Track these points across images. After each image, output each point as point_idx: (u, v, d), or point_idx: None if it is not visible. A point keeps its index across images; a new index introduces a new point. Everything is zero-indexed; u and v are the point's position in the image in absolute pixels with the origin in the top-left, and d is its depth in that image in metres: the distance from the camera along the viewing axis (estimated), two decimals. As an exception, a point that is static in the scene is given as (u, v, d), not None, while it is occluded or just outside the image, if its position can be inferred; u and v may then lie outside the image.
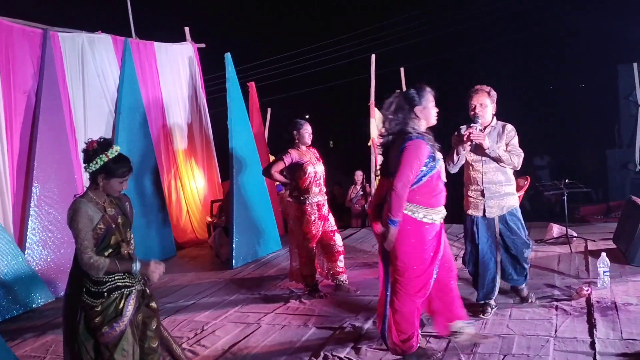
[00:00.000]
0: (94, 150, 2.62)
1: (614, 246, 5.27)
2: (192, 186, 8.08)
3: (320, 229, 4.82)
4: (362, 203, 9.30)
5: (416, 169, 3.04)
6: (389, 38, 15.55)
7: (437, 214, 3.18)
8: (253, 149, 6.96)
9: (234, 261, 6.17)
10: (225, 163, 6.69)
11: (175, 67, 8.03)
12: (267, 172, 4.91)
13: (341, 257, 4.95)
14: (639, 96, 7.22)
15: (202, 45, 8.50)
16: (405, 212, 3.08)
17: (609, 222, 5.87)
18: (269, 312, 4.44)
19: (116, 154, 2.65)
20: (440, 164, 3.22)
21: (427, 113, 3.21)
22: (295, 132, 4.80)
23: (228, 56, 6.83)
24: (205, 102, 8.48)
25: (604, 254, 4.23)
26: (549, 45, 13.95)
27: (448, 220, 7.71)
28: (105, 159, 2.61)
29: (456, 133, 3.84)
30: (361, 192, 9.38)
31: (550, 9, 15.15)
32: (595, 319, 3.58)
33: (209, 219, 7.87)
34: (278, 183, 9.00)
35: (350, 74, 15.63)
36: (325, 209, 4.88)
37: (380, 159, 3.61)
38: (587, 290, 4.03)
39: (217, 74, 9.66)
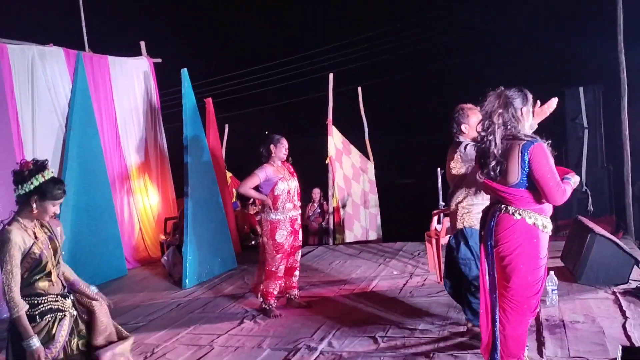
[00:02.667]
0: (29, 170, 2.51)
1: (562, 264, 5.42)
2: (145, 203, 7.90)
3: (291, 244, 4.80)
4: (320, 221, 9.30)
5: (555, 172, 2.76)
6: (347, 57, 15.75)
7: (549, 224, 2.88)
8: (209, 166, 6.87)
9: (187, 280, 6.04)
10: (181, 179, 6.58)
11: (130, 81, 7.88)
12: (243, 188, 4.79)
13: (296, 272, 4.97)
14: (585, 119, 7.54)
15: (158, 60, 8.38)
16: (520, 217, 2.82)
17: (557, 241, 6.01)
18: (223, 334, 4.35)
19: (51, 175, 2.55)
20: None
21: (529, 117, 2.97)
22: (272, 146, 4.75)
23: (184, 71, 6.76)
24: (161, 117, 8.34)
25: (552, 273, 4.34)
26: (499, 67, 14.45)
27: (403, 238, 7.86)
28: (42, 180, 2.51)
29: None
30: (318, 210, 9.38)
31: (501, 34, 15.73)
32: (544, 337, 3.66)
33: (163, 237, 7.69)
34: (235, 200, 8.98)
35: (308, 92, 15.73)
36: (298, 224, 4.87)
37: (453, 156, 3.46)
38: None
39: (173, 89, 9.54)
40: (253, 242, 8.51)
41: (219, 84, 16.34)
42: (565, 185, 2.79)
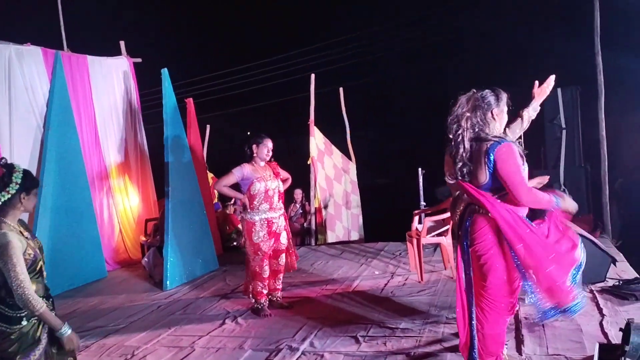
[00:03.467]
0: (2, 175, 2.46)
1: (540, 263, 5.48)
2: (125, 204, 7.82)
3: (271, 246, 4.77)
4: (302, 221, 9.30)
5: (522, 170, 2.79)
6: (329, 58, 15.78)
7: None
8: (190, 166, 6.83)
9: (168, 282, 6.00)
10: (162, 180, 6.53)
11: (109, 81, 7.80)
12: (217, 185, 4.78)
13: (280, 276, 4.95)
14: (563, 120, 7.65)
15: (138, 59, 8.31)
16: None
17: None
18: (204, 335, 4.33)
19: (19, 167, 2.52)
20: (526, 166, 2.97)
21: (502, 117, 2.98)
22: (254, 145, 4.72)
23: (165, 71, 6.72)
24: (141, 117, 8.27)
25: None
26: (479, 69, 14.60)
27: (384, 238, 7.89)
28: (20, 176, 2.47)
29: None
30: (300, 211, 9.38)
31: (481, 36, 15.90)
32: (523, 335, 3.70)
33: (143, 239, 7.63)
34: (216, 201, 8.94)
35: (290, 93, 15.72)
36: (278, 227, 4.79)
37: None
38: None
39: (154, 89, 9.46)
40: (235, 243, 8.48)
41: (200, 84, 16.25)
42: (542, 193, 2.80)
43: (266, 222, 4.71)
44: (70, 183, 6.55)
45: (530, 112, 3.32)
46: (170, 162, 6.37)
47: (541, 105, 3.40)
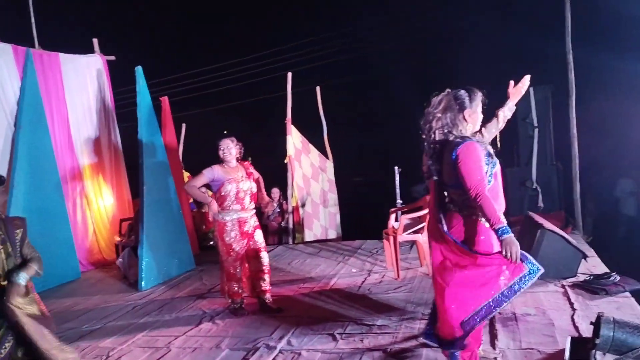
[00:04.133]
0: None
1: (514, 259, 5.56)
2: (99, 204, 7.71)
3: (244, 246, 4.74)
4: (279, 220, 9.29)
5: (480, 169, 2.80)
6: (306, 57, 15.78)
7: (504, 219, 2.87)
8: (165, 165, 6.77)
9: (143, 282, 5.93)
10: (136, 180, 6.46)
11: (82, 79, 7.68)
12: (187, 186, 4.77)
13: (266, 277, 4.84)
14: (535, 118, 7.78)
15: (112, 57, 8.19)
16: (465, 214, 2.89)
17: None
18: (180, 335, 4.30)
19: None
20: (498, 165, 3.00)
21: (475, 118, 2.99)
22: (217, 149, 4.73)
23: (139, 69, 6.64)
24: (115, 116, 8.16)
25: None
26: (453, 68, 14.75)
27: (361, 236, 7.93)
28: None
29: None
30: (278, 210, 9.36)
31: (455, 36, 16.08)
32: (496, 330, 3.76)
33: (118, 239, 7.54)
34: (192, 201, 8.87)
35: (267, 91, 15.68)
36: (250, 226, 4.76)
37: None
38: None
39: (128, 87, 9.34)
40: (211, 243, 8.43)
41: (175, 83, 16.10)
42: (494, 208, 2.77)
43: (237, 222, 4.68)
44: (42, 183, 6.43)
45: (506, 112, 3.35)
46: (145, 161, 6.30)
47: (515, 104, 3.45)
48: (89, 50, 8.01)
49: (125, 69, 7.45)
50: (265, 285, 4.83)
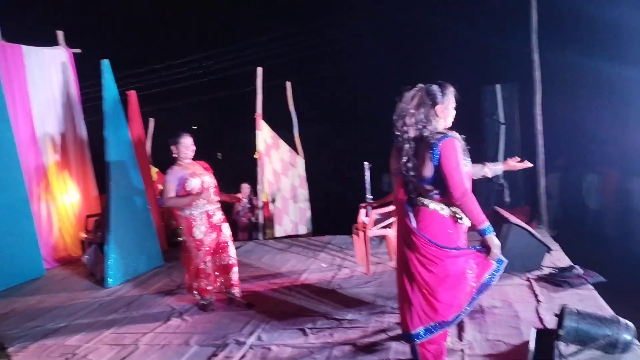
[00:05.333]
0: None
1: (481, 253, 5.66)
2: (65, 200, 7.53)
3: (214, 239, 4.70)
4: (249, 216, 9.24)
5: (462, 167, 2.85)
6: (276, 52, 15.70)
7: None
8: (132, 161, 6.65)
9: (110, 279, 5.83)
10: (103, 175, 6.33)
11: (46, 72, 7.48)
12: (168, 202, 4.65)
13: (234, 269, 4.82)
14: (501, 115, 7.93)
15: (78, 50, 8.00)
16: (435, 209, 2.93)
17: (476, 231, 6.31)
18: (148, 332, 4.24)
19: None
20: (470, 163, 3.06)
21: (447, 113, 3.02)
22: (173, 147, 4.65)
23: (105, 62, 6.50)
24: (81, 110, 7.97)
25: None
26: (421, 65, 14.90)
27: (332, 231, 7.95)
28: None
29: None
30: (248, 205, 9.31)
31: (423, 33, 16.22)
32: (464, 322, 3.82)
33: (84, 235, 7.39)
34: (160, 197, 8.75)
35: (237, 86, 15.55)
36: (217, 219, 4.74)
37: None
38: None
39: (94, 81, 9.15)
40: (180, 239, 8.32)
41: (143, 77, 15.82)
42: (478, 207, 2.87)
43: (206, 215, 4.64)
44: (3, 178, 6.26)
45: (490, 172, 3.49)
46: (112, 156, 6.18)
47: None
48: (54, 42, 7.81)
49: (91, 62, 7.29)
50: (234, 279, 4.81)
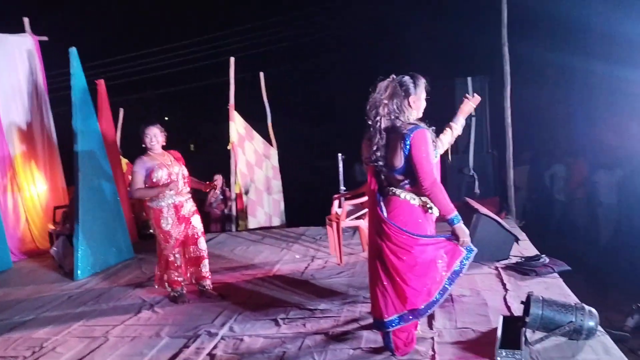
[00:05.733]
0: None
1: (452, 243, 5.75)
2: (32, 191, 7.36)
3: (182, 231, 4.66)
4: (222, 207, 9.18)
5: (432, 158, 2.93)
6: (250, 42, 15.58)
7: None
8: (102, 151, 6.53)
9: (79, 272, 5.74)
10: (71, 166, 6.21)
11: (11, 60, 7.27)
12: (135, 193, 4.60)
13: (205, 262, 4.80)
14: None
15: (44, 38, 7.79)
16: (405, 198, 2.97)
17: (445, 221, 6.39)
18: (118, 324, 4.19)
19: None
20: (439, 155, 3.12)
21: (419, 104, 3.08)
22: (142, 137, 4.61)
23: (73, 51, 6.36)
24: (48, 99, 7.78)
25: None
26: (396, 57, 14.97)
27: (305, 222, 7.96)
28: None
29: None
30: (221, 197, 9.25)
31: (398, 25, 16.30)
32: (434, 311, 3.88)
33: (52, 227, 7.24)
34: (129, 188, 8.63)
35: (209, 76, 15.39)
36: (187, 210, 4.69)
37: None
38: None
39: (62, 70, 8.95)
40: (151, 231, 8.24)
41: (113, 66, 15.52)
42: (446, 196, 2.95)
43: (173, 207, 4.59)
44: (-32, 169, 6.10)
45: (458, 129, 3.45)
46: (80, 147, 6.05)
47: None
48: (19, 29, 7.59)
49: (59, 51, 7.12)
50: (205, 272, 4.79)
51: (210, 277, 4.84)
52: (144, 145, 4.63)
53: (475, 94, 3.51)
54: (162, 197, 4.55)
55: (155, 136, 4.62)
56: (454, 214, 2.97)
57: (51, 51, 7.94)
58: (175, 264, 4.66)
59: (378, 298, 3.08)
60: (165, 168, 4.56)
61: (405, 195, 3.00)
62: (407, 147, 2.90)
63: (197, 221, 4.79)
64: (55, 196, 7.67)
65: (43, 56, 7.73)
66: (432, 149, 2.96)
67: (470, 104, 3.51)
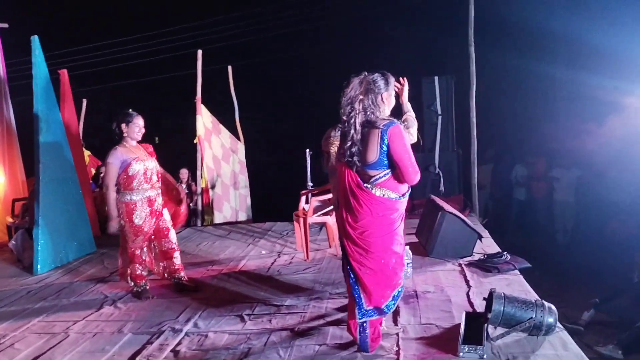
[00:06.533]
0: None
1: (416, 240, 5.85)
2: (-11, 183, 7.14)
3: (153, 225, 4.59)
4: (188, 202, 9.05)
5: (410, 150, 2.99)
6: (218, 35, 15.38)
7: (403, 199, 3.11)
8: (64, 143, 6.37)
9: (39, 266, 5.60)
10: (31, 157, 6.03)
11: (-31, 47, 7.03)
12: (106, 187, 4.41)
13: (176, 254, 4.76)
14: (439, 106, 8.14)
15: (5, 25, 7.53)
16: (377, 193, 3.00)
17: (412, 219, 6.48)
18: (79, 320, 4.11)
19: None
20: None
21: (390, 101, 3.16)
22: (123, 125, 4.45)
23: (35, 39, 6.17)
24: (7, 88, 7.54)
25: (407, 247, 4.65)
26: (365, 55, 15.05)
27: (272, 218, 7.95)
28: None
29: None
30: (187, 191, 9.14)
31: (366, 25, 16.38)
32: (399, 307, 3.93)
33: (10, 220, 7.03)
34: (92, 181, 8.44)
35: (176, 69, 15.15)
36: (158, 204, 4.63)
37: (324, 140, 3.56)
38: None
39: (23, 58, 8.67)
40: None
41: (76, 55, 15.10)
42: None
43: (147, 200, 4.52)
44: None
45: (411, 113, 3.55)
46: (41, 137, 5.89)
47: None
48: (-22, 15, 7.34)
49: (20, 39, 6.89)
50: (178, 264, 4.76)
51: (183, 268, 4.80)
52: (124, 135, 4.46)
53: (402, 79, 3.56)
54: (135, 191, 4.45)
55: (142, 127, 4.52)
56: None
57: (12, 39, 7.69)
58: (140, 258, 4.59)
59: (364, 287, 3.11)
60: (141, 162, 4.47)
61: (377, 191, 3.02)
62: (385, 142, 2.94)
63: (167, 215, 4.74)
64: (14, 188, 7.46)
65: (3, 44, 7.48)
66: (409, 143, 3.04)
67: (404, 89, 3.57)
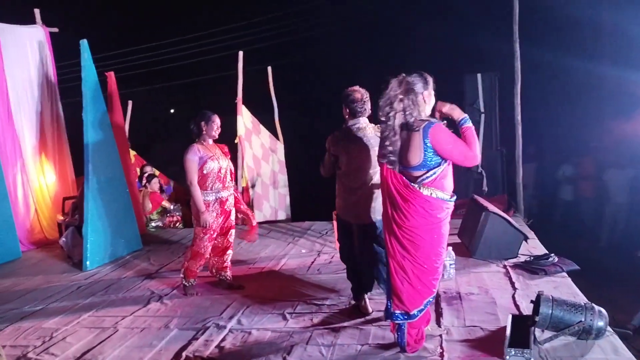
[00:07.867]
0: None
1: (459, 241, 5.76)
2: (41, 182, 7.41)
3: (221, 223, 4.67)
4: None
5: (457, 140, 2.99)
6: (258, 36, 15.56)
7: (451, 199, 3.08)
8: (112, 143, 6.55)
9: (88, 262, 5.78)
10: (80, 157, 6.23)
11: (22, 51, 7.29)
12: (190, 183, 4.45)
13: (229, 252, 4.84)
14: (482, 104, 7.99)
15: (55, 29, 7.81)
16: (425, 192, 2.99)
17: (455, 219, 6.38)
18: (127, 315, 4.23)
19: None
20: None
21: (431, 100, 3.13)
22: (202, 123, 4.53)
23: (84, 42, 6.37)
24: (58, 91, 7.81)
25: (450, 248, 4.60)
26: (405, 54, 14.93)
27: (311, 217, 7.96)
28: None
29: None
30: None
31: (408, 23, 16.23)
32: (442, 308, 3.89)
33: (61, 218, 7.28)
34: (138, 180, 8.66)
35: (217, 70, 15.39)
36: (229, 204, 4.69)
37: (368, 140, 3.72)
38: None
39: (72, 61, 8.96)
40: (160, 223, 8.29)
41: (122, 58, 15.54)
42: (465, 142, 3.01)
43: (219, 201, 4.59)
44: (-21, 159, 6.13)
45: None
46: (90, 138, 6.08)
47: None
48: (30, 21, 7.61)
49: (69, 42, 7.13)
50: (227, 262, 4.85)
51: (230, 267, 4.89)
52: (204, 132, 4.53)
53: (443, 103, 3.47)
54: (210, 191, 4.53)
55: (219, 126, 4.61)
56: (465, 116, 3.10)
57: (62, 42, 7.96)
58: (204, 256, 4.68)
59: (400, 291, 3.10)
60: (216, 160, 4.54)
61: (424, 190, 2.99)
62: (429, 145, 2.93)
63: (233, 215, 4.80)
64: (64, 187, 7.72)
65: (53, 47, 7.75)
66: (452, 136, 3.00)
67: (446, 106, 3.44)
